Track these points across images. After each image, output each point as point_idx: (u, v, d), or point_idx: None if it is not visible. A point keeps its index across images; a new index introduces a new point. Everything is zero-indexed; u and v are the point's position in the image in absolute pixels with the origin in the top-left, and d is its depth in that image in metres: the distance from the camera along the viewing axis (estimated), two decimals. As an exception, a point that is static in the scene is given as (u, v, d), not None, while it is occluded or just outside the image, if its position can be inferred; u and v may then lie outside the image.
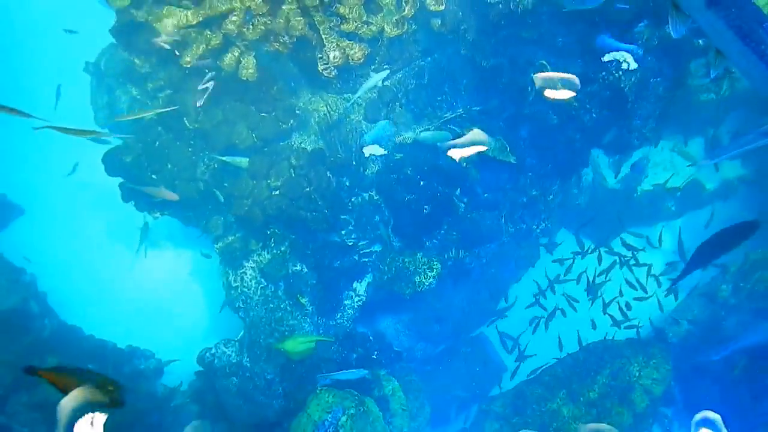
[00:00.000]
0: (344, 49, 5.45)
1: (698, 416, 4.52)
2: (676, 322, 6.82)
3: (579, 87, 4.42)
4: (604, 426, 4.59)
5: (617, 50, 5.33)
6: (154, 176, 5.75)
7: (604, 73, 5.73)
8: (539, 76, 4.51)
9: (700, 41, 5.94)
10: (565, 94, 4.41)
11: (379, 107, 6.09)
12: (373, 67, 5.83)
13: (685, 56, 6.06)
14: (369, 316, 6.54)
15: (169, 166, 5.78)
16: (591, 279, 7.12)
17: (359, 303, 6.28)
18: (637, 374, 6.28)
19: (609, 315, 6.93)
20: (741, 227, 3.47)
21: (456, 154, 4.97)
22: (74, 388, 2.99)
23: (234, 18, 5.25)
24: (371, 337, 6.30)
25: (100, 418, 4.66)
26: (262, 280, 6.02)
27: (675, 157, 7.65)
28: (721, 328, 6.49)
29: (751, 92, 6.74)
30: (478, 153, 5.41)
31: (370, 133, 5.86)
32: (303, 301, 5.94)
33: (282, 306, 5.98)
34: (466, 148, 4.91)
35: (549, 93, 4.43)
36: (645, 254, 7.42)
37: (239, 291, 6.08)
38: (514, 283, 7.68)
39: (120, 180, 6.00)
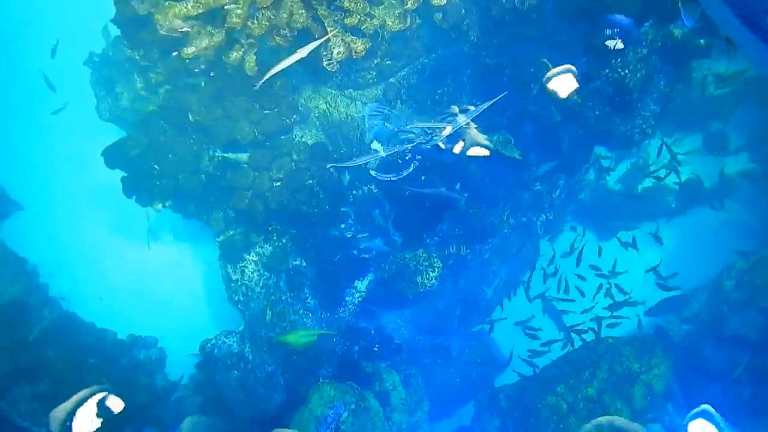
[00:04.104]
0: (348, 44, 5.43)
1: (695, 410, 4.55)
2: (677, 320, 6.81)
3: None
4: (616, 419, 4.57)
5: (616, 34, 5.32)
6: (156, 166, 5.73)
7: (607, 71, 5.72)
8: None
9: (702, 41, 5.96)
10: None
11: (383, 104, 6.08)
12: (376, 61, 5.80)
13: (687, 54, 6.07)
14: (369, 309, 6.51)
15: (172, 156, 5.77)
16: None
17: (360, 298, 6.25)
18: (637, 370, 6.26)
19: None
20: None
21: (458, 148, 4.99)
22: None
23: (238, 11, 5.22)
24: (372, 331, 6.29)
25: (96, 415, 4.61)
26: (265, 272, 6.00)
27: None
28: (724, 325, 6.47)
29: (753, 89, 6.76)
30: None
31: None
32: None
33: (284, 299, 5.96)
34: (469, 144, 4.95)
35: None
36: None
37: (239, 284, 6.06)
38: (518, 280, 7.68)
39: (121, 173, 5.99)
